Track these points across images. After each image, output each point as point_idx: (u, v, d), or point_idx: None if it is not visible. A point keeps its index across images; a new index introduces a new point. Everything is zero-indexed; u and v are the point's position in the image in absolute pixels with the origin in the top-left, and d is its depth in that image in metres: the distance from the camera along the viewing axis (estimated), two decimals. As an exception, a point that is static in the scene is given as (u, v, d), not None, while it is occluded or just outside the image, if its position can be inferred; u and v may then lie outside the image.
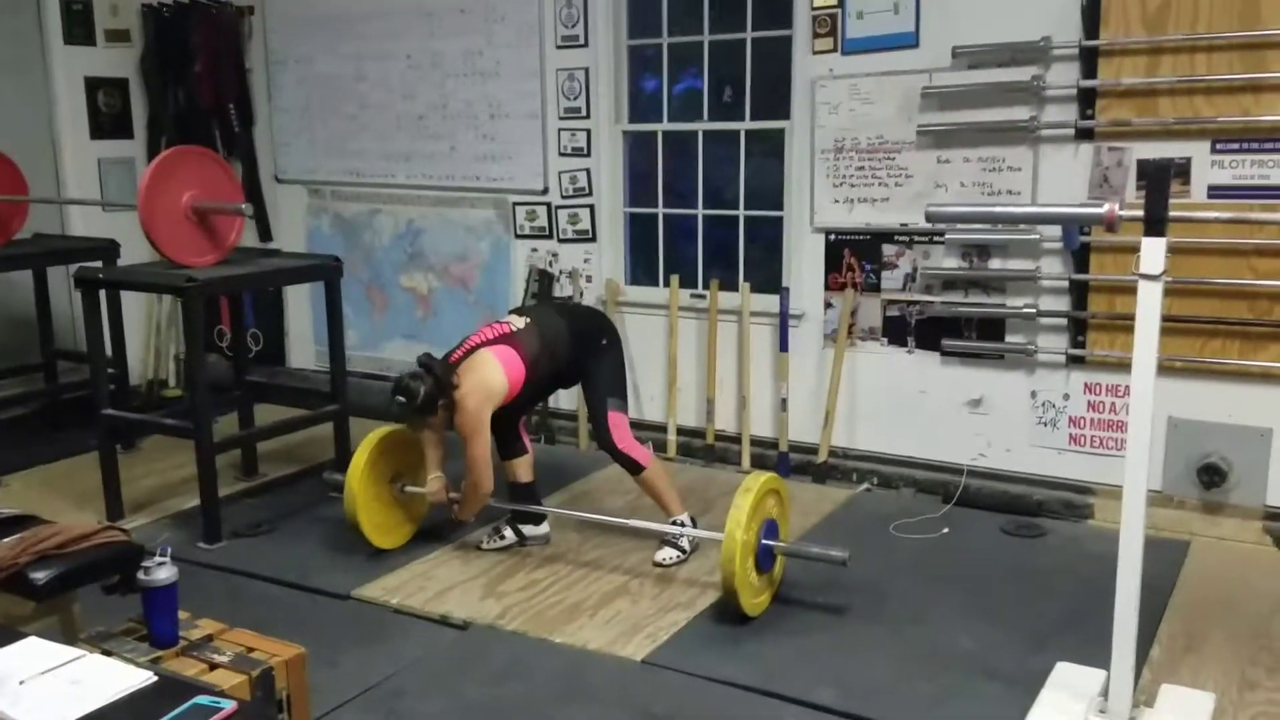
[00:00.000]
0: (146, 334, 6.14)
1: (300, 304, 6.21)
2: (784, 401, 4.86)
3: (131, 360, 5.41)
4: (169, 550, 2.76)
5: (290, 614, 3.54)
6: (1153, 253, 2.47)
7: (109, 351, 4.88)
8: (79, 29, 5.91)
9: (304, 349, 6.28)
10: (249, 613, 3.27)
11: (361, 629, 3.48)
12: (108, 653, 2.51)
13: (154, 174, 4.18)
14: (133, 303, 5.43)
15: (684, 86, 5.15)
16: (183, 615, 2.84)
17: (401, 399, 3.67)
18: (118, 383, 4.97)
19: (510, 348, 3.76)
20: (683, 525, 3.88)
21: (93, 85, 5.99)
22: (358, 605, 3.66)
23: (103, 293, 4.48)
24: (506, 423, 3.98)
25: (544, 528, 4.11)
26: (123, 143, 6.15)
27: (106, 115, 6.07)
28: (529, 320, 3.88)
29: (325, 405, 4.72)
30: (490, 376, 3.69)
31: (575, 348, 3.88)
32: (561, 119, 5.25)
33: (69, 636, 2.71)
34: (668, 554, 3.89)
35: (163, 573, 2.72)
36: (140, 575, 2.72)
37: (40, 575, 2.69)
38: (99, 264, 4.83)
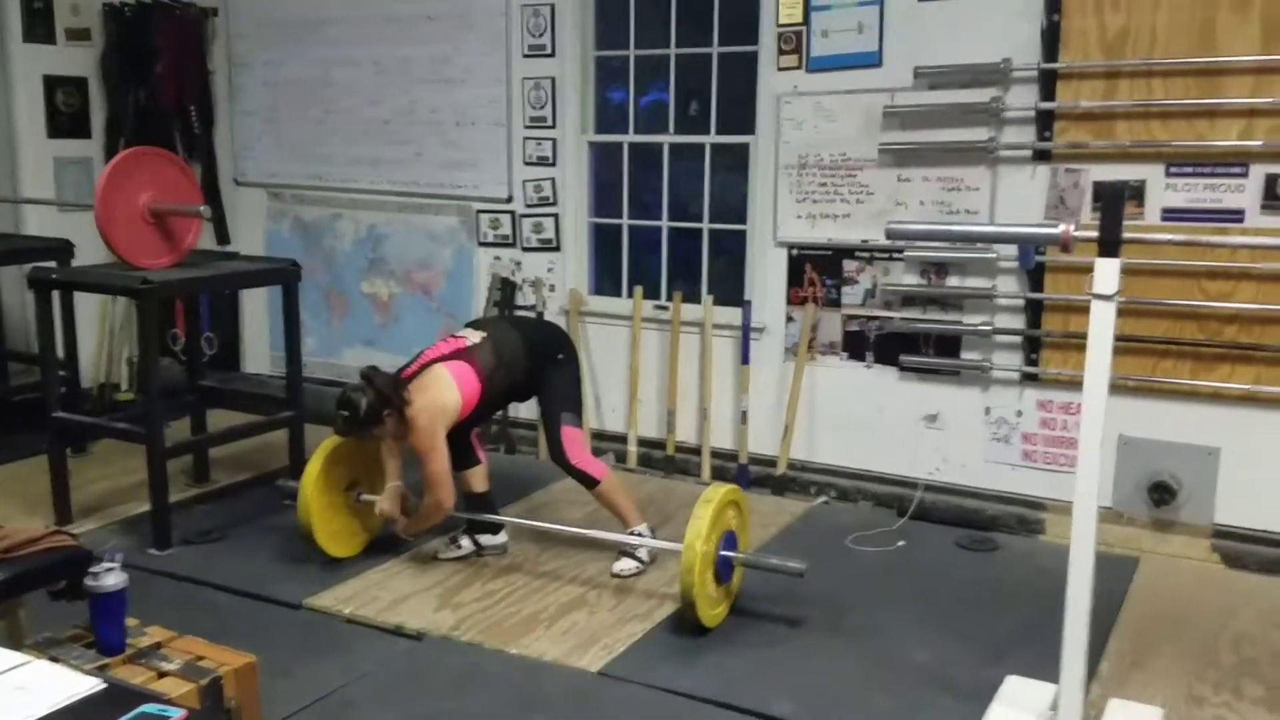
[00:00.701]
0: (99, 336, 6.05)
1: (257, 308, 6.15)
2: (744, 414, 4.87)
3: (83, 363, 5.32)
4: (118, 556, 2.72)
5: (241, 623, 3.49)
6: (1106, 273, 2.51)
7: (61, 353, 4.80)
8: (39, 27, 5.82)
9: (259, 354, 6.22)
10: (199, 621, 3.22)
11: (313, 639, 3.44)
12: (54, 659, 2.47)
13: (111, 174, 4.13)
14: (86, 304, 5.34)
15: (650, 99, 5.17)
16: (131, 622, 2.80)
17: (344, 412, 3.67)
18: (69, 385, 4.89)
19: (465, 363, 3.75)
20: (641, 536, 3.88)
21: (51, 84, 5.90)
22: (310, 615, 3.62)
23: (56, 294, 4.41)
24: (460, 434, 3.97)
25: (501, 538, 4.09)
26: (80, 142, 6.05)
27: (65, 114, 5.98)
28: (485, 335, 3.87)
29: (280, 411, 4.67)
30: (443, 394, 3.69)
31: (531, 362, 3.88)
32: (527, 128, 5.25)
33: (14, 642, 2.66)
34: (626, 565, 3.89)
35: (111, 579, 2.68)
36: (88, 581, 2.68)
37: (-15, 580, 2.63)
38: (53, 264, 4.75)
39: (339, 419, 3.71)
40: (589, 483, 3.87)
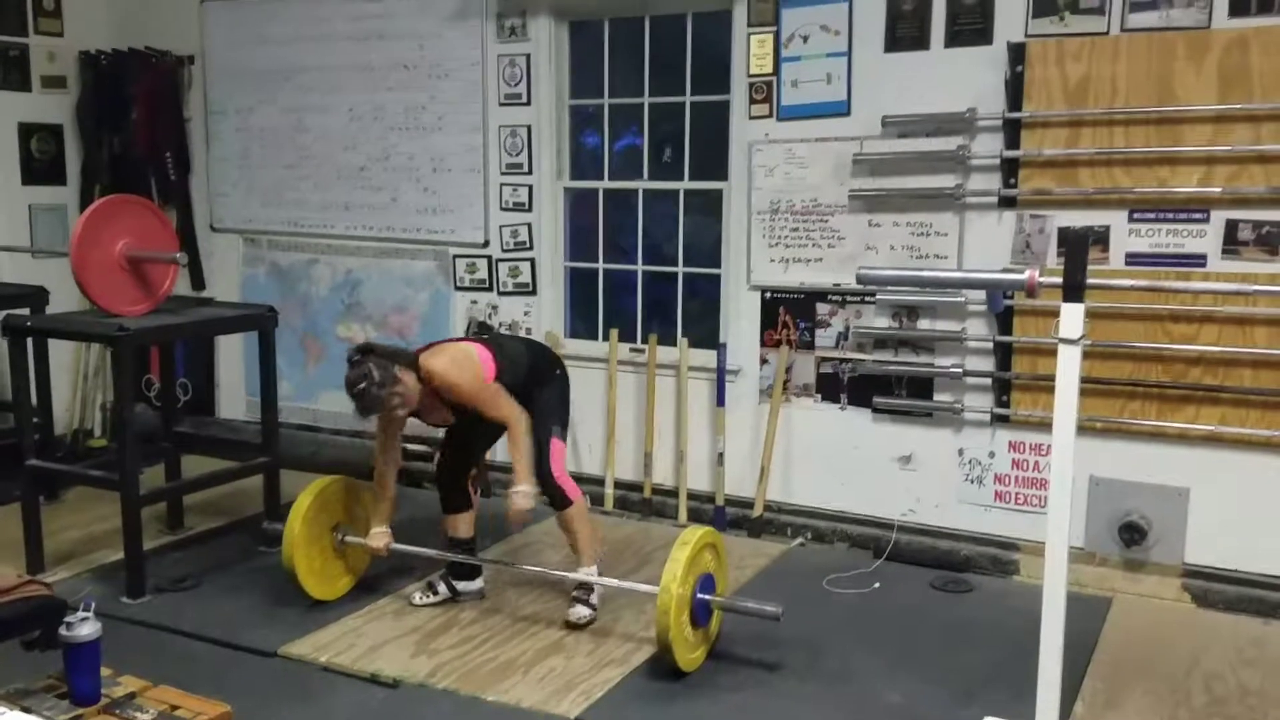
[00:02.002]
0: (73, 383, 6.02)
1: (232, 353, 6.14)
2: (721, 455, 4.90)
3: (57, 409, 5.29)
4: (92, 605, 2.72)
5: (215, 671, 3.46)
6: (1071, 318, 2.57)
7: (34, 400, 4.77)
8: (14, 74, 5.85)
9: (234, 399, 6.20)
10: (173, 670, 3.20)
11: (288, 687, 3.42)
12: (27, 710, 2.46)
13: (87, 222, 4.13)
14: (59, 351, 5.32)
15: (624, 144, 5.24)
16: (105, 672, 2.78)
17: (359, 385, 3.53)
18: (43, 432, 4.86)
19: (482, 346, 3.79)
20: (588, 579, 3.86)
21: (27, 131, 5.91)
22: (285, 663, 3.59)
23: (30, 340, 4.40)
24: (452, 475, 3.97)
25: (478, 583, 4.08)
26: (55, 189, 6.06)
27: (39, 161, 5.99)
28: (488, 338, 3.93)
29: (256, 457, 4.66)
30: (462, 349, 3.72)
31: (529, 374, 3.88)
32: (503, 174, 5.31)
33: (-16, 695, 2.64)
34: (582, 612, 3.83)
35: (85, 628, 2.68)
36: (62, 631, 2.67)
37: (-43, 631, 2.61)
38: (27, 311, 4.73)
39: (356, 395, 3.55)
40: (562, 502, 3.82)
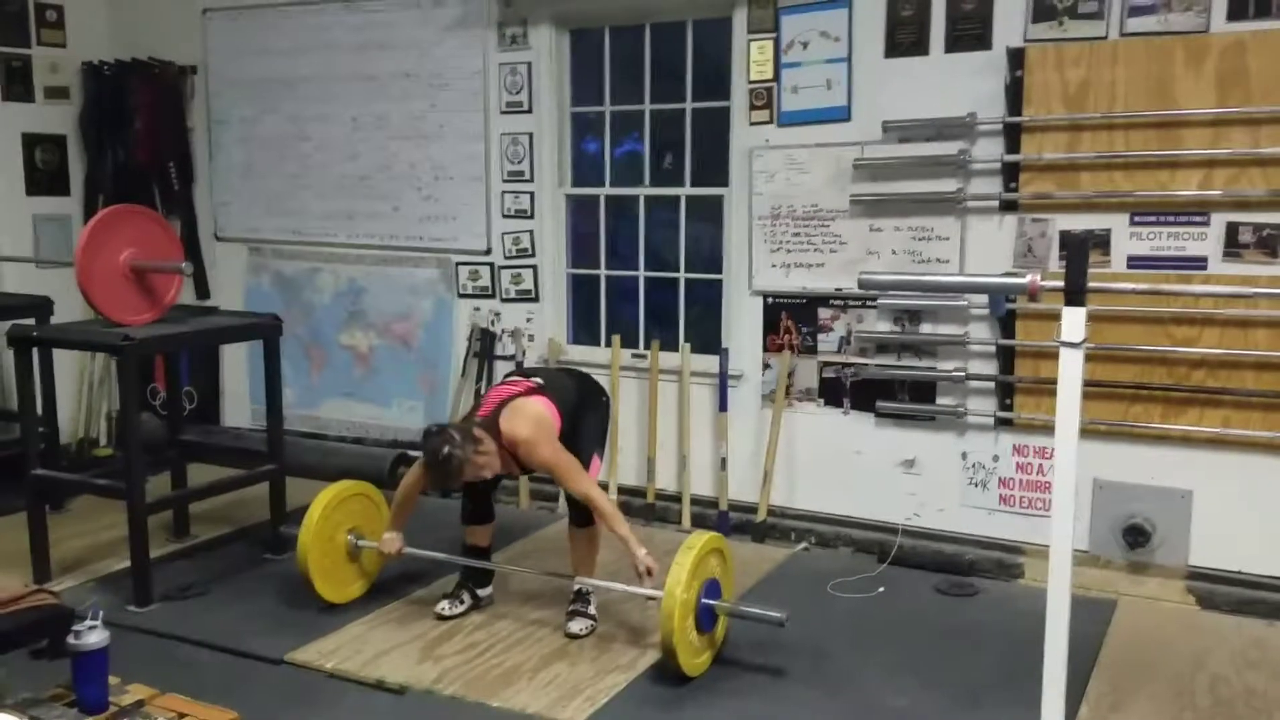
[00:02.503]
0: (78, 392, 6.03)
1: (236, 362, 6.16)
2: (724, 461, 4.91)
3: (61, 419, 5.31)
4: (100, 613, 2.73)
5: (222, 679, 3.47)
6: (1073, 321, 2.57)
7: (39, 410, 4.78)
8: (17, 85, 5.87)
9: (239, 407, 6.22)
10: (180, 678, 3.21)
11: (295, 694, 3.43)
12: (35, 719, 2.47)
13: (92, 231, 4.15)
14: (64, 360, 5.34)
15: (625, 150, 5.26)
16: (112, 680, 2.80)
17: (443, 449, 3.49)
18: (48, 441, 4.88)
19: (544, 398, 3.75)
20: (584, 592, 3.88)
21: (30, 141, 5.94)
22: (292, 669, 3.60)
23: (35, 350, 4.41)
24: (482, 489, 3.97)
25: (488, 590, 4.09)
26: (59, 199, 6.09)
27: (43, 171, 6.02)
28: (542, 380, 3.86)
29: (261, 465, 4.67)
30: (541, 412, 3.67)
31: (578, 404, 3.88)
32: (505, 181, 5.33)
33: (-7, 703, 2.65)
34: (581, 625, 3.84)
35: (93, 637, 2.69)
36: (70, 639, 2.68)
37: (-34, 640, 2.63)
38: (32, 321, 4.75)
39: (441, 462, 3.49)
40: (588, 520, 3.81)
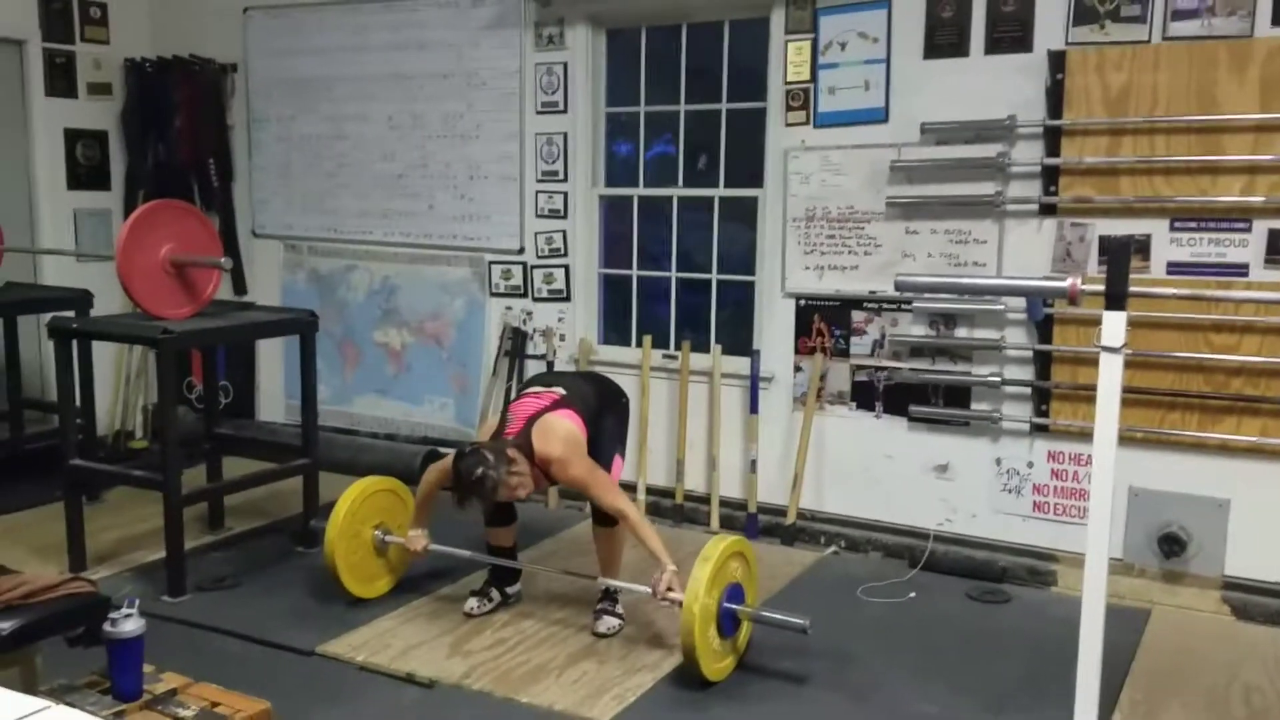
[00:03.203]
0: (115, 385, 6.11)
1: (272, 357, 6.21)
2: (753, 463, 4.90)
3: (99, 411, 5.37)
4: (136, 602, 2.75)
5: (254, 670, 3.50)
6: (1113, 326, 2.55)
7: (78, 402, 4.85)
8: (61, 81, 5.96)
9: (274, 402, 6.27)
10: (212, 668, 3.24)
11: (325, 686, 3.45)
12: (70, 705, 2.49)
13: (133, 226, 4.20)
14: (101, 354, 5.41)
15: (656, 152, 5.26)
16: (147, 669, 2.82)
17: (477, 470, 3.50)
18: (85, 433, 4.93)
19: (571, 410, 3.76)
20: (611, 591, 3.89)
21: (72, 137, 6.03)
22: (322, 662, 3.63)
23: (74, 343, 4.47)
24: None
25: (516, 587, 4.11)
26: (99, 194, 6.18)
27: (84, 166, 6.10)
28: (565, 390, 3.85)
29: (295, 459, 4.71)
30: (571, 429, 3.68)
31: (599, 409, 3.90)
32: (539, 181, 5.34)
33: (29, 688, 2.67)
34: (611, 623, 3.85)
35: (129, 625, 2.71)
36: (106, 627, 2.71)
37: (5, 625, 2.66)
38: (72, 314, 4.81)
39: (475, 482, 3.50)
40: (611, 520, 3.80)
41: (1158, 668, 3.59)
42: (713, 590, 3.40)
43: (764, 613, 3.62)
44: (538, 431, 3.66)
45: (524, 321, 5.48)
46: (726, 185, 5.03)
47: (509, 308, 5.51)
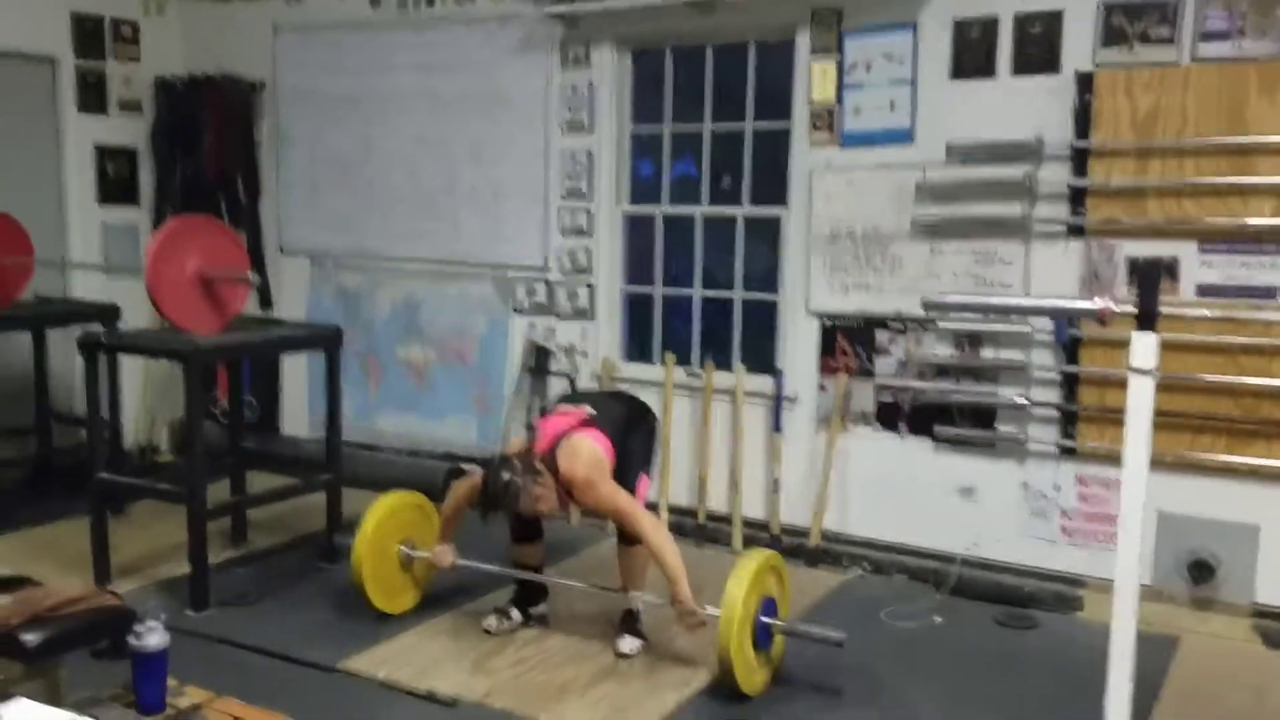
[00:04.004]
0: (141, 399, 6.15)
1: (296, 373, 6.24)
2: (776, 483, 4.88)
3: (124, 425, 5.41)
4: (163, 615, 2.76)
5: (275, 685, 3.50)
6: (1144, 347, 2.52)
7: (105, 415, 4.88)
8: (92, 98, 6.04)
9: (298, 418, 6.29)
10: (234, 682, 3.24)
11: (347, 702, 3.45)
12: (94, 719, 2.49)
13: (163, 240, 4.24)
14: (127, 368, 5.45)
15: (679, 172, 5.27)
16: (170, 683, 2.82)
17: (503, 476, 3.54)
18: (112, 447, 4.97)
19: (598, 431, 3.75)
20: (634, 611, 3.86)
21: (102, 153, 6.10)
22: (344, 678, 3.62)
23: (102, 357, 4.50)
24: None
25: (543, 606, 4.09)
26: (128, 210, 6.24)
27: (114, 182, 6.16)
28: (594, 411, 3.85)
29: (319, 474, 4.72)
30: (593, 451, 3.67)
31: (626, 427, 3.89)
32: (563, 199, 5.36)
33: (53, 701, 2.68)
34: (632, 644, 3.82)
35: (154, 638, 2.72)
36: (131, 640, 2.71)
37: (31, 638, 2.67)
38: (100, 328, 4.85)
39: (502, 491, 3.54)
40: (636, 538, 3.79)
41: (1187, 696, 3.54)
42: (750, 598, 3.39)
43: (800, 626, 3.61)
44: (564, 451, 3.66)
45: (547, 338, 5.48)
46: (750, 204, 5.02)
47: (532, 325, 5.52)
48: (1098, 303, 2.57)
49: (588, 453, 3.67)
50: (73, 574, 4.33)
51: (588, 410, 3.84)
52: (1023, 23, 4.23)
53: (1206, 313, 3.81)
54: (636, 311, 5.43)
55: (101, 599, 2.88)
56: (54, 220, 5.93)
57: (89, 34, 5.99)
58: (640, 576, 3.88)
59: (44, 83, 5.87)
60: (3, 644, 2.66)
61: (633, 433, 3.93)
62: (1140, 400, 2.56)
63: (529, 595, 4.05)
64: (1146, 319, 2.52)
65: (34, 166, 5.86)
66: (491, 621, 3.98)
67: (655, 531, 3.66)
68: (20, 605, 2.74)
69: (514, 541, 4.02)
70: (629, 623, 3.88)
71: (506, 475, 3.55)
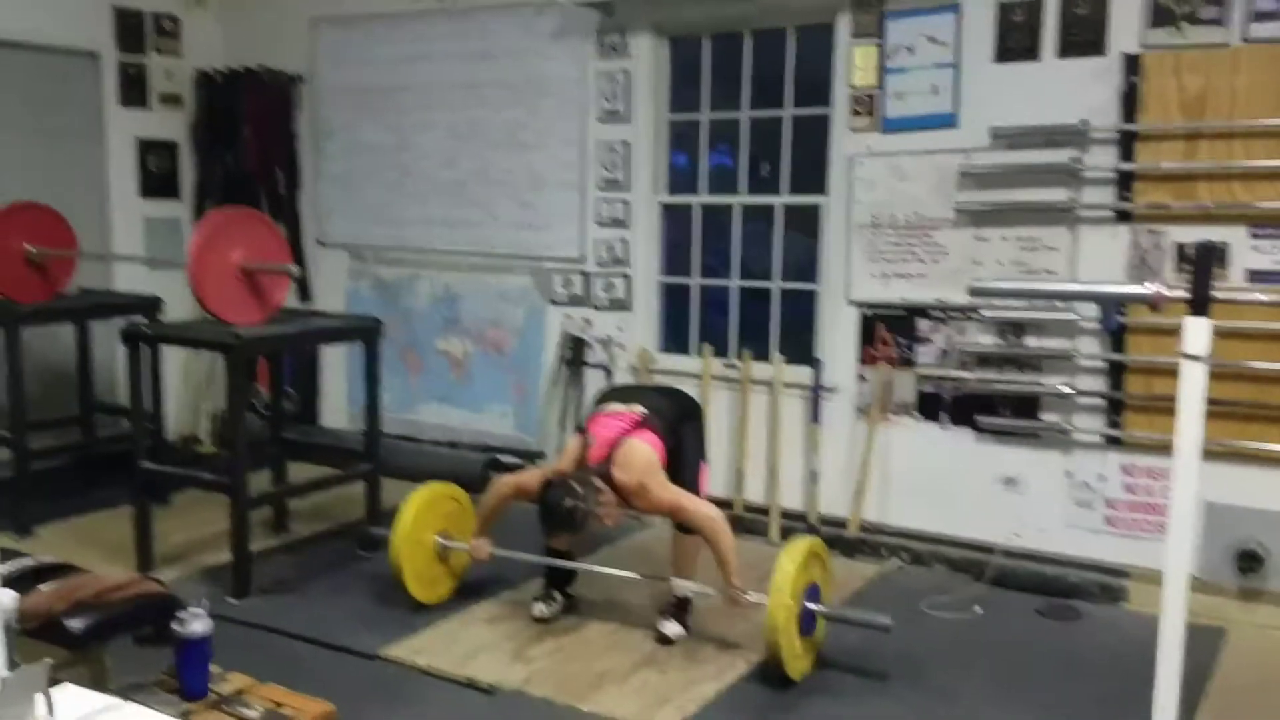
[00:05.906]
0: (183, 390, 6.21)
1: (336, 364, 6.28)
2: (815, 474, 4.84)
3: (166, 416, 5.46)
4: (206, 603, 2.78)
5: (317, 672, 3.52)
6: (1197, 333, 2.46)
7: (148, 406, 4.93)
8: (134, 92, 6.10)
9: (337, 409, 6.33)
10: (277, 669, 3.24)
11: (388, 689, 3.47)
12: (139, 704, 2.51)
13: (207, 233, 4.27)
14: (169, 359, 5.50)
15: (716, 161, 5.23)
16: (213, 669, 2.84)
17: (567, 502, 3.52)
18: (155, 437, 5.02)
19: (650, 432, 3.74)
20: (685, 599, 3.86)
21: (144, 146, 6.16)
22: (385, 665, 3.64)
23: (145, 348, 4.55)
24: None
25: (571, 587, 4.10)
26: (170, 203, 6.30)
27: (156, 175, 6.22)
28: (643, 409, 3.84)
29: (358, 465, 4.74)
30: (648, 455, 3.67)
31: (676, 421, 3.89)
32: (600, 189, 5.34)
33: (98, 686, 2.70)
34: (675, 628, 3.83)
35: (198, 625, 2.73)
36: (175, 626, 2.73)
37: (77, 624, 2.70)
38: (143, 319, 4.90)
39: (565, 513, 3.51)
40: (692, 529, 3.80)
41: (1235, 688, 3.47)
42: (796, 587, 3.39)
43: (846, 611, 3.58)
44: (618, 462, 3.64)
45: (584, 329, 5.47)
46: (789, 192, 4.98)
47: (569, 316, 5.51)
48: (1150, 288, 2.52)
49: (641, 460, 3.65)
50: (116, 562, 4.38)
51: (639, 410, 3.82)
52: (1068, 3, 4.15)
53: (1261, 297, 3.72)
54: (673, 302, 5.40)
55: (145, 586, 2.90)
56: (97, 214, 5.99)
57: (130, 28, 6.05)
58: (692, 565, 3.87)
59: (86, 77, 5.93)
60: (49, 630, 2.69)
61: (684, 426, 3.92)
62: (1193, 387, 2.50)
63: (562, 575, 4.05)
64: (1200, 304, 2.46)
65: (77, 161, 5.93)
66: (541, 608, 3.99)
67: (711, 521, 3.64)
68: (66, 592, 2.77)
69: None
70: (679, 610, 3.87)
71: (570, 502, 3.51)
